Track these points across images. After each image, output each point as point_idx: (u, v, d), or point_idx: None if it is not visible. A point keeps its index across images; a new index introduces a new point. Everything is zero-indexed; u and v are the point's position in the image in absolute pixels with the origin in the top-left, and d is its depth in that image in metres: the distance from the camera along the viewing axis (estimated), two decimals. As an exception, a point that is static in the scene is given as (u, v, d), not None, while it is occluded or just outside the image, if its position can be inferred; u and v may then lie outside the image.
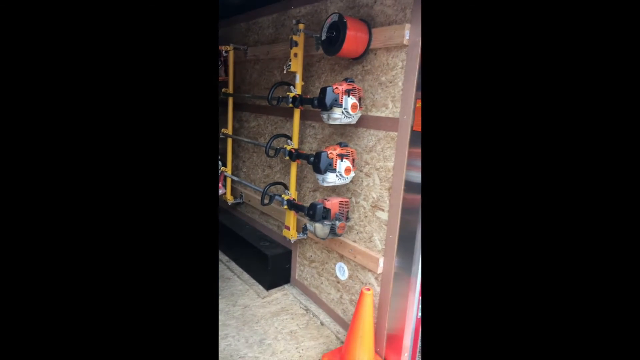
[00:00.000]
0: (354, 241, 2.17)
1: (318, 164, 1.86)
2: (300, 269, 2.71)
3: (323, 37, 1.94)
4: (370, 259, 2.04)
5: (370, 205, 2.04)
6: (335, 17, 1.86)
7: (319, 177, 1.90)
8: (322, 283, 2.50)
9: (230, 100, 3.13)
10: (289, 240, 2.49)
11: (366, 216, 2.08)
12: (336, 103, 1.80)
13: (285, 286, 2.78)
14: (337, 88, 1.81)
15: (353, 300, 2.23)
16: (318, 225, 1.95)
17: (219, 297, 2.57)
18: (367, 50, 1.95)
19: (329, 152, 1.87)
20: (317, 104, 1.86)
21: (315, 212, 1.94)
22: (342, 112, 1.80)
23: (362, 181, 2.08)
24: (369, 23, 1.93)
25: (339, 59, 2.17)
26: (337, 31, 1.84)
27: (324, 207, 1.96)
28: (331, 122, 1.84)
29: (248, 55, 3.02)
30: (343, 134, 2.19)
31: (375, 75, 1.95)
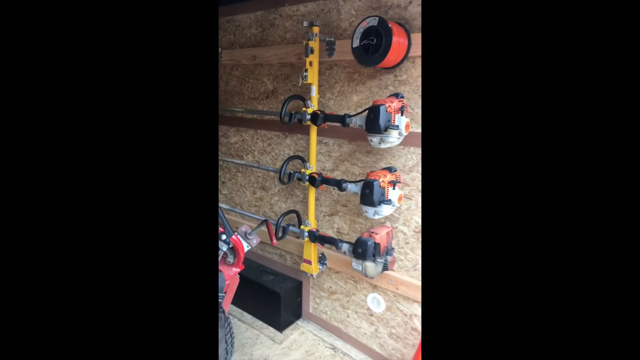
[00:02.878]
0: (393, 270, 1.95)
1: (370, 195, 1.59)
2: (316, 302, 2.42)
3: (355, 45, 1.65)
4: (416, 288, 1.84)
5: (413, 231, 1.84)
6: (374, 21, 1.58)
7: (369, 209, 1.63)
8: (348, 316, 2.25)
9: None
10: (309, 275, 2.18)
11: (407, 242, 1.87)
12: (390, 124, 1.53)
13: (298, 322, 2.47)
14: (389, 106, 1.54)
15: (394, 334, 2.02)
16: (369, 265, 1.68)
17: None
18: (404, 59, 1.71)
19: (380, 180, 1.60)
20: (366, 126, 1.57)
21: (366, 250, 1.67)
22: (398, 134, 1.54)
23: (402, 205, 1.85)
24: (407, 28, 1.68)
25: (358, 67, 1.90)
26: (379, 38, 1.57)
27: (374, 242, 1.70)
28: (383, 146, 1.57)
29: (223, 59, 2.55)
30: (370, 152, 1.93)
31: (414, 86, 1.73)
